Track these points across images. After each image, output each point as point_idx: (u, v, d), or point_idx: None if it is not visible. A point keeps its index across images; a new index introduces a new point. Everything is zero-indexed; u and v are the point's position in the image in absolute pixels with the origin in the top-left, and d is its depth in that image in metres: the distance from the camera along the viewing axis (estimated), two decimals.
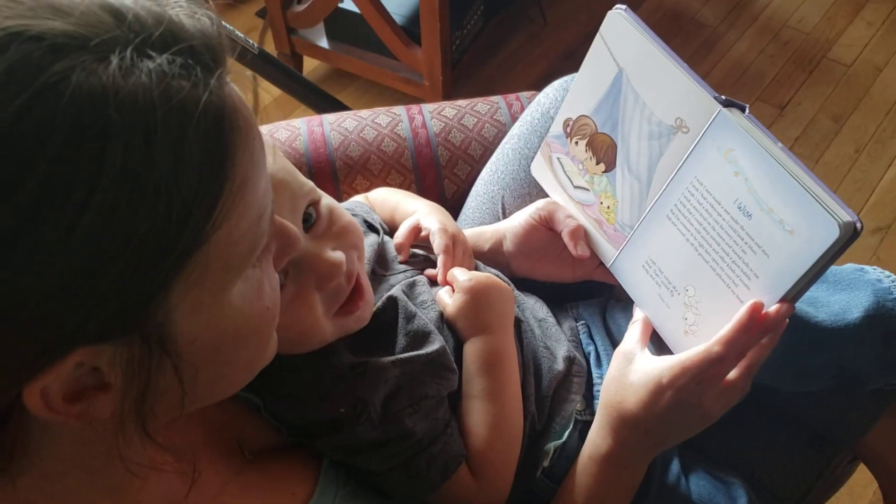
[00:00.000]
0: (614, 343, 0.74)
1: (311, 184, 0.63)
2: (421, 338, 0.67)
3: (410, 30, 1.80)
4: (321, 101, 1.58)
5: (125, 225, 0.35)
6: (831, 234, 0.58)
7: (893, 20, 2.17)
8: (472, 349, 0.70)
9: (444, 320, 0.71)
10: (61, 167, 0.33)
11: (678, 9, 2.24)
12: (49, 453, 0.44)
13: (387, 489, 0.65)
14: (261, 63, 1.39)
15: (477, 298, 0.70)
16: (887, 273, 0.74)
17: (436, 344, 0.66)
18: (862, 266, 0.76)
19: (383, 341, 0.67)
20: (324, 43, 1.95)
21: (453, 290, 0.72)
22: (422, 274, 0.75)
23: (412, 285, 0.73)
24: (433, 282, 0.75)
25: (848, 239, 0.59)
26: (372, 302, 0.67)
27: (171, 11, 0.39)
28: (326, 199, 0.65)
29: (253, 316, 0.46)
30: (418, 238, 0.78)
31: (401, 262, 0.76)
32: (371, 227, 0.79)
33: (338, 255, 0.62)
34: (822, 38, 2.14)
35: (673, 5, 2.26)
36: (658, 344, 0.73)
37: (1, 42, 0.33)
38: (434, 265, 0.76)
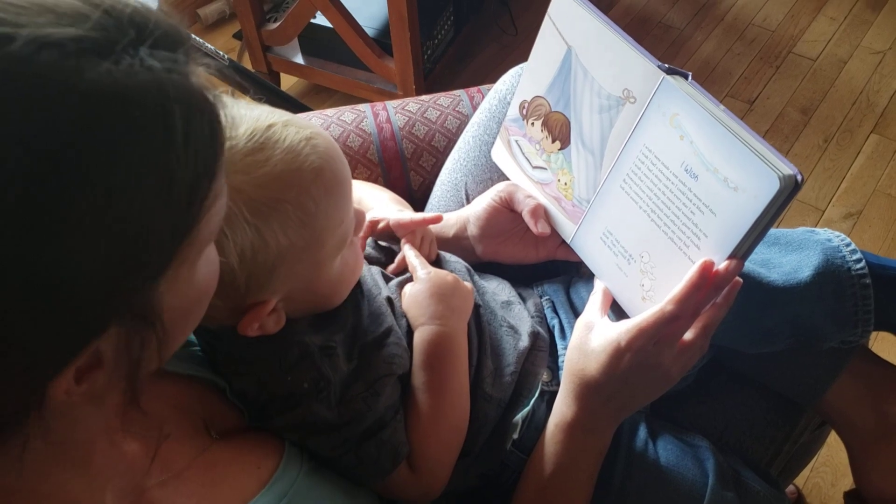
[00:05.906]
0: (577, 315, 0.75)
1: None
2: (375, 318, 0.69)
3: (382, 41, 1.83)
4: (294, 108, 1.61)
5: (155, 209, 0.38)
6: (773, 188, 0.60)
7: (855, 15, 2.22)
8: (418, 338, 0.70)
9: (395, 306, 0.72)
10: (107, 160, 0.35)
11: (646, 14, 2.28)
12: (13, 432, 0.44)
13: (341, 472, 0.66)
14: (232, 74, 1.41)
15: (431, 288, 0.72)
16: (837, 233, 0.76)
17: (385, 325, 0.68)
18: (813, 228, 0.77)
19: (340, 318, 0.68)
20: (299, 59, 1.98)
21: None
22: (378, 266, 0.77)
23: (375, 272, 0.75)
24: (389, 273, 0.77)
25: (790, 192, 0.60)
26: None
27: (152, 11, 0.42)
28: None
29: (210, 280, 0.49)
30: (375, 231, 0.80)
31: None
32: None
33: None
34: (786, 34, 2.18)
35: (640, 10, 2.30)
36: (619, 314, 0.75)
37: (22, 51, 0.34)
38: (393, 255, 0.78)
